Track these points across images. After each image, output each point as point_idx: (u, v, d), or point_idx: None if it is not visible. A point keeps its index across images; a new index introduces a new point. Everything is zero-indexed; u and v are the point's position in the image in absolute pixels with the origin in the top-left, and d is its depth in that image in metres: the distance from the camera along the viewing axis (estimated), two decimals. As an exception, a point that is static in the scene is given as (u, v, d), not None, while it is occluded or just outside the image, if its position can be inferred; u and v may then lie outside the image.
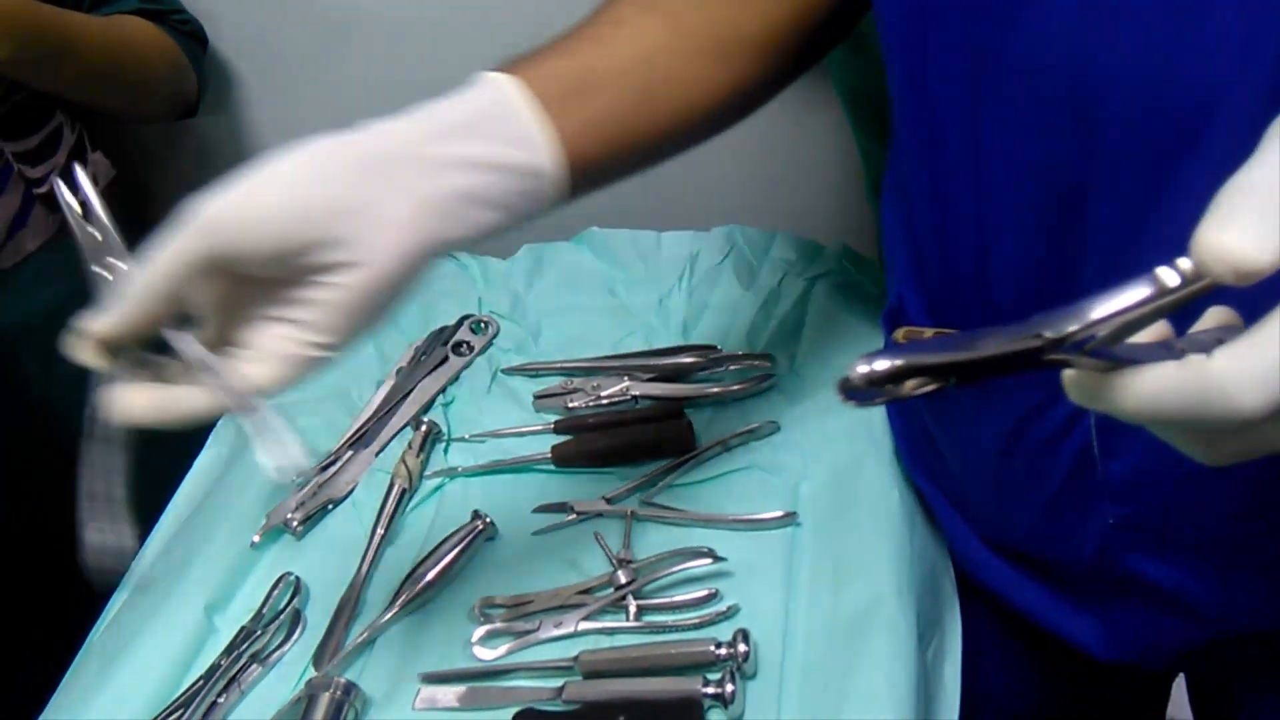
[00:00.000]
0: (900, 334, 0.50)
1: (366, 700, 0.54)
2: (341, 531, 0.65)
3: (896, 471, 0.61)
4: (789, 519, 0.60)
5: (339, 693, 0.52)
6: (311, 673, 0.56)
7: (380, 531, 0.63)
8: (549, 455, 0.67)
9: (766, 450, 0.65)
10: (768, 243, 0.82)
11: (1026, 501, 0.51)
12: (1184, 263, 0.24)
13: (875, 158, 0.73)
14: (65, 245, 0.66)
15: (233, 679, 0.55)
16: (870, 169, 0.75)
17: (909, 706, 0.49)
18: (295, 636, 0.58)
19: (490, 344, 0.78)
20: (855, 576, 0.55)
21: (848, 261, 0.79)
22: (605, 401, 0.70)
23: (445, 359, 0.76)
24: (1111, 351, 0.26)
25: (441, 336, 0.78)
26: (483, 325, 0.79)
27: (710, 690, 0.51)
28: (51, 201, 0.79)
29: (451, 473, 0.67)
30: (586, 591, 0.58)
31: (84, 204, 0.42)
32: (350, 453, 0.69)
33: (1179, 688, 0.69)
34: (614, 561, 0.59)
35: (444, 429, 0.71)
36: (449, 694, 0.54)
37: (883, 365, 0.24)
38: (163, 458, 0.74)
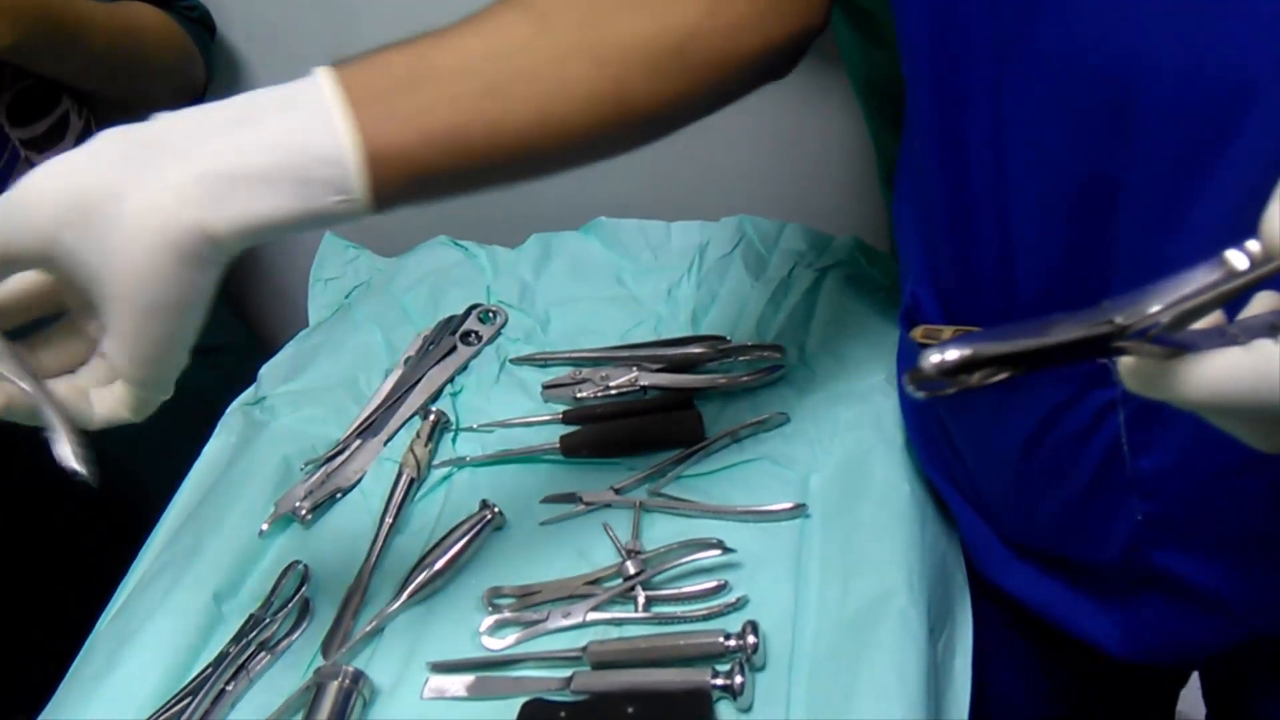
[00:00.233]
0: (918, 333, 0.50)
1: (375, 689, 0.54)
2: (349, 520, 0.65)
3: (907, 464, 0.61)
4: (798, 510, 0.59)
5: (347, 681, 0.52)
6: (319, 661, 0.56)
7: (388, 520, 0.63)
8: (557, 445, 0.66)
9: (776, 441, 0.65)
10: (778, 234, 0.82)
11: (1051, 498, 0.50)
12: (1252, 245, 0.24)
13: (888, 149, 0.73)
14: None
15: (241, 666, 0.55)
16: (883, 160, 0.74)
17: (919, 699, 0.49)
18: (303, 625, 0.58)
19: (498, 333, 0.78)
20: (865, 569, 0.55)
21: (859, 254, 0.79)
22: (614, 392, 0.70)
23: (453, 348, 0.76)
24: (1173, 338, 0.25)
25: (450, 326, 0.78)
26: (491, 315, 0.79)
27: (719, 681, 0.50)
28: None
29: (460, 462, 0.67)
30: (595, 582, 0.58)
31: None
32: (358, 442, 0.69)
33: (1189, 685, 0.69)
34: (623, 552, 0.59)
35: (452, 418, 0.70)
36: (457, 683, 0.54)
37: (954, 355, 0.23)
38: (171, 445, 0.74)
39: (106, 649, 0.58)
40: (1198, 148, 0.36)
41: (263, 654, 0.56)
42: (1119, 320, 0.24)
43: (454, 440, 0.69)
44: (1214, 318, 0.28)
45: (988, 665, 0.57)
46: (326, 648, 0.57)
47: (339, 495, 0.66)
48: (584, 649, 0.54)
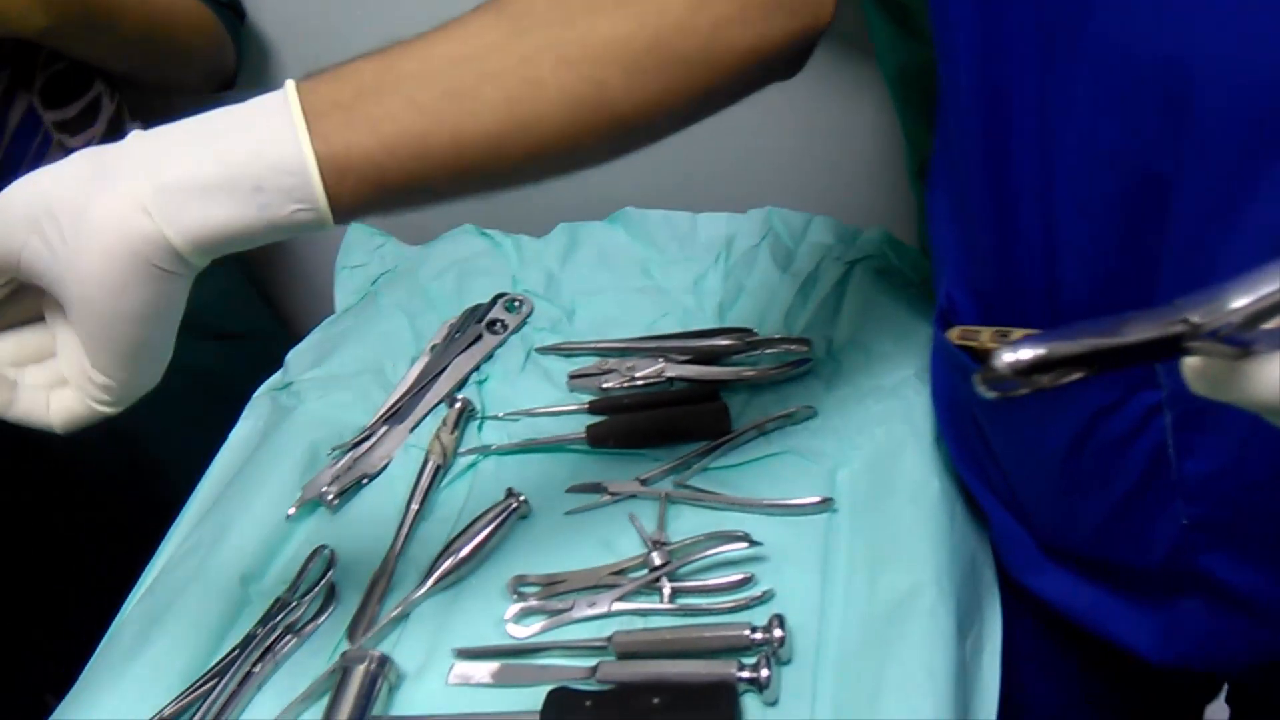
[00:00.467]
0: (955, 334, 0.49)
1: (400, 674, 0.54)
2: (376, 506, 0.65)
3: (937, 460, 0.60)
4: (825, 505, 0.59)
5: (373, 665, 0.52)
6: (345, 645, 0.57)
7: (414, 507, 0.63)
8: (583, 435, 0.66)
9: (803, 435, 0.64)
10: (805, 226, 0.82)
11: (1093, 502, 0.49)
12: None
13: (920, 141, 0.72)
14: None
15: (268, 649, 0.55)
16: (914, 153, 0.73)
17: (948, 697, 0.49)
18: (329, 609, 0.58)
19: (525, 322, 0.78)
20: (893, 564, 0.55)
21: (887, 247, 0.78)
22: (640, 382, 0.70)
23: (479, 337, 0.76)
24: (1241, 338, 0.25)
25: (476, 314, 0.78)
26: (517, 304, 0.79)
27: (745, 674, 0.50)
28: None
29: (485, 450, 0.67)
30: (620, 572, 0.58)
31: None
32: (385, 428, 0.69)
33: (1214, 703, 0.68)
34: (648, 543, 0.59)
35: (478, 407, 0.70)
36: (482, 670, 0.54)
37: (1028, 355, 0.23)
38: (197, 429, 0.74)
39: (135, 629, 0.58)
40: (1256, 146, 0.35)
41: (289, 637, 0.56)
42: (1194, 319, 0.24)
43: (480, 428, 0.70)
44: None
45: (1016, 669, 0.56)
46: (352, 632, 0.57)
47: (365, 481, 0.66)
48: (609, 639, 0.54)
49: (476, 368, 0.74)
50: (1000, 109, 0.42)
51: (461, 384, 0.73)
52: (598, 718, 0.50)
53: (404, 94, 0.40)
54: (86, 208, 0.37)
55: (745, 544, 0.57)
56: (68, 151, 0.77)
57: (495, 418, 0.70)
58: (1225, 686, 0.65)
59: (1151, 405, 0.44)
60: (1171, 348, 0.24)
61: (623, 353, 0.73)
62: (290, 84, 0.40)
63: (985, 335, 0.47)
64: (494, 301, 0.79)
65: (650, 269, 0.81)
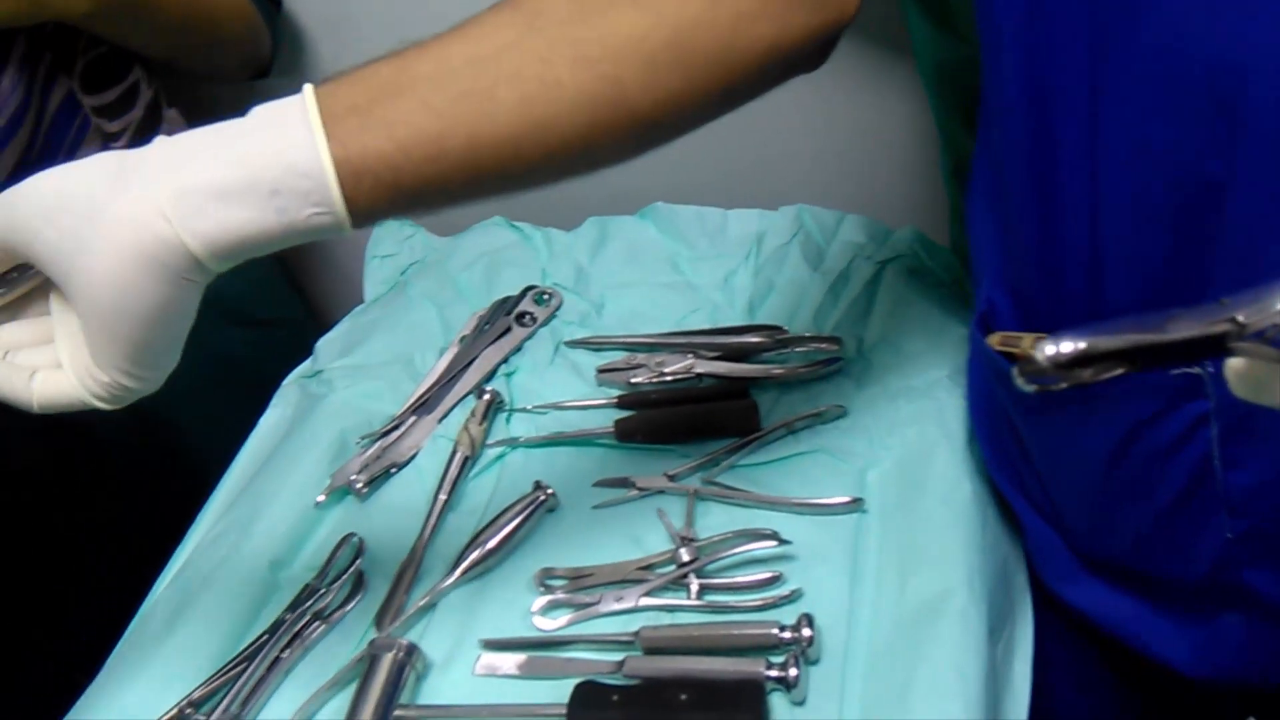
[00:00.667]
0: (995, 339, 0.49)
1: (428, 663, 0.54)
2: (404, 495, 0.65)
3: (969, 462, 0.60)
4: (855, 505, 0.59)
5: (401, 654, 0.53)
6: (372, 633, 0.57)
7: (442, 497, 0.63)
8: (611, 430, 0.66)
9: (833, 434, 0.64)
10: (836, 224, 0.81)
11: (1134, 513, 0.48)
12: None
13: (956, 139, 0.71)
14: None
15: (296, 635, 0.56)
16: (949, 151, 0.73)
17: (978, 700, 0.48)
18: (358, 597, 0.58)
19: (553, 316, 0.78)
20: (924, 566, 0.54)
21: (919, 247, 0.77)
22: (669, 378, 0.70)
23: (508, 329, 0.76)
24: None
25: (505, 306, 0.78)
26: (546, 297, 0.79)
27: (773, 673, 0.50)
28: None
29: (513, 442, 0.67)
30: (648, 568, 0.58)
31: None
32: (413, 418, 0.70)
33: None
34: (676, 539, 0.58)
35: (506, 399, 0.71)
36: (509, 661, 0.54)
37: (1069, 348, 0.23)
38: (225, 414, 0.75)
39: (164, 612, 0.59)
40: None
41: (318, 623, 0.57)
42: (1241, 318, 0.23)
43: (508, 420, 0.70)
44: None
45: (1047, 678, 0.56)
46: (380, 620, 0.57)
47: (394, 470, 0.66)
48: (636, 634, 0.54)
49: (505, 360, 0.74)
50: (1046, 108, 0.42)
51: (490, 376, 0.73)
52: (625, 712, 0.49)
53: (419, 96, 0.40)
54: (105, 206, 0.37)
55: (774, 542, 0.56)
56: (105, 136, 0.79)
57: (523, 410, 0.70)
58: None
59: (1198, 415, 0.43)
60: (1216, 347, 0.24)
61: (652, 348, 0.73)
62: (308, 88, 0.40)
63: (1027, 342, 0.47)
64: (523, 294, 0.79)
65: (680, 264, 0.81)
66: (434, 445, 0.68)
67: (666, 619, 0.55)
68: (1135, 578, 0.52)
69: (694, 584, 0.56)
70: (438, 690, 0.53)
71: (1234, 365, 0.26)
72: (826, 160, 0.92)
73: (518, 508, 0.61)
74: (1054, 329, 0.46)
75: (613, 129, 0.42)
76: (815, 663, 0.52)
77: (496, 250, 0.85)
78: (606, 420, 0.67)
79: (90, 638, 0.61)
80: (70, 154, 0.77)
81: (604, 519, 0.62)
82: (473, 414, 0.68)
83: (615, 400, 0.69)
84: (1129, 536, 0.50)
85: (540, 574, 0.58)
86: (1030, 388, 0.24)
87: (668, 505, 0.61)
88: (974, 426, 0.60)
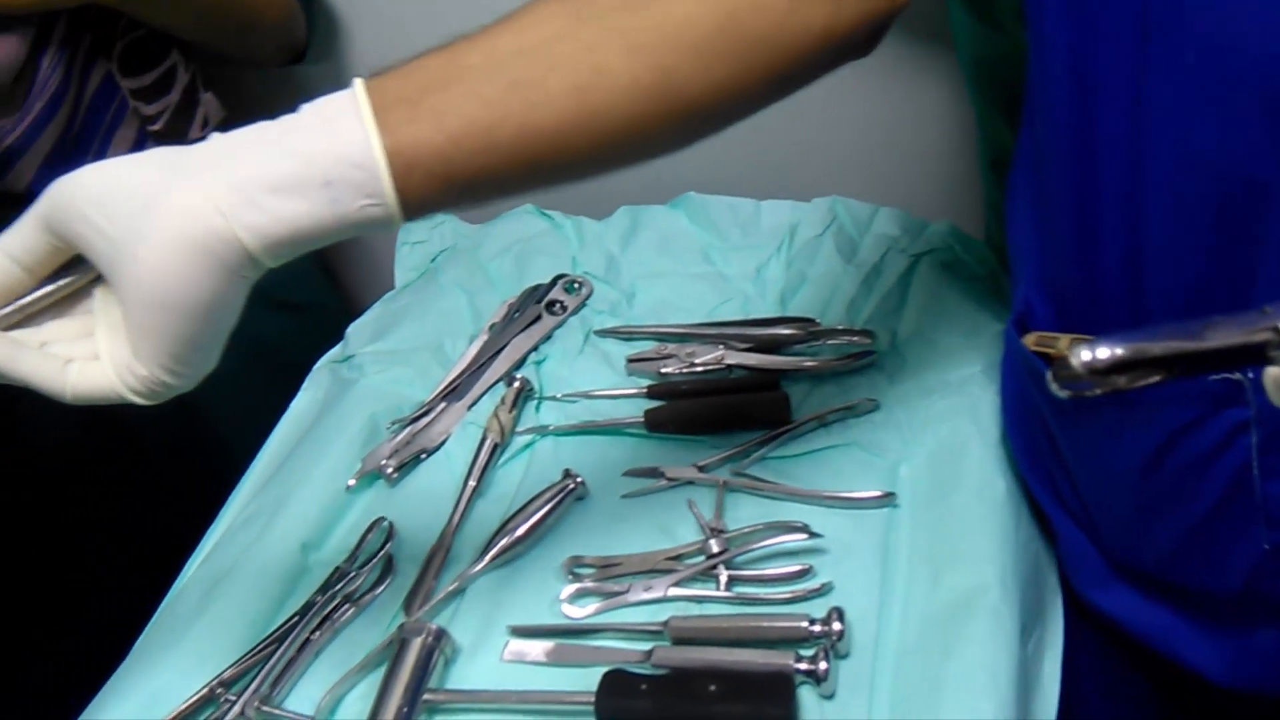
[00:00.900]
0: (1031, 340, 0.48)
1: (456, 648, 0.54)
2: (433, 481, 0.65)
3: (1003, 458, 0.59)
4: (887, 499, 0.58)
5: (430, 638, 0.53)
6: (401, 617, 0.57)
7: (472, 484, 0.63)
8: (641, 419, 0.66)
9: (865, 428, 0.63)
10: (870, 217, 0.81)
11: (1169, 522, 0.48)
12: None
13: (995, 133, 0.70)
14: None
15: (326, 617, 0.56)
16: (988, 145, 0.72)
17: (1010, 698, 0.48)
18: (387, 581, 0.59)
19: (584, 304, 0.77)
20: (956, 562, 0.54)
21: (954, 241, 0.77)
22: (700, 369, 0.69)
23: (538, 317, 0.76)
24: None
25: (535, 294, 0.78)
26: (577, 285, 0.79)
27: (803, 666, 0.50)
28: (165, 139, 0.80)
29: (543, 430, 0.67)
30: (677, 558, 0.58)
31: None
32: (443, 404, 0.70)
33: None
34: (706, 530, 0.58)
35: (536, 387, 0.71)
36: (537, 648, 0.54)
37: (1105, 354, 0.22)
38: (255, 396, 0.75)
39: (196, 592, 0.59)
40: None
41: (347, 606, 0.57)
42: None
43: (537, 408, 0.70)
44: None
45: (1077, 685, 0.55)
46: (409, 605, 0.57)
47: (424, 456, 0.67)
48: (665, 624, 0.53)
49: (535, 348, 0.74)
50: (1091, 104, 0.41)
51: (520, 363, 0.73)
52: (654, 702, 0.49)
53: (469, 87, 0.39)
54: (159, 196, 0.37)
55: (804, 535, 0.56)
56: (142, 119, 0.79)
57: (553, 398, 0.70)
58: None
59: (1238, 423, 0.42)
60: (1256, 356, 0.23)
61: (683, 338, 0.72)
62: (358, 82, 0.40)
63: (1063, 343, 0.46)
64: (554, 282, 0.79)
65: (711, 255, 0.80)
66: (463, 432, 0.68)
67: (695, 610, 0.55)
68: (1168, 587, 0.51)
69: (723, 575, 0.56)
70: (465, 675, 0.54)
71: (1274, 374, 0.25)
72: (861, 152, 0.91)
73: (547, 495, 0.61)
74: (1092, 331, 0.45)
75: (663, 117, 0.41)
76: (845, 657, 0.51)
77: (527, 238, 0.85)
78: (636, 410, 0.67)
79: (121, 618, 0.62)
80: (108, 136, 0.78)
81: (633, 508, 0.62)
82: (502, 401, 0.68)
83: (645, 390, 0.69)
84: (1163, 545, 0.49)
85: (569, 562, 0.58)
86: (1064, 393, 0.23)
87: (697, 496, 0.61)
88: (1006, 428, 0.59)
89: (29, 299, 0.42)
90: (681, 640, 0.53)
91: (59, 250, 0.40)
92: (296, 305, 0.90)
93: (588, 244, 0.83)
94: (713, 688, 0.49)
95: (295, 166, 0.38)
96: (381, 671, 0.53)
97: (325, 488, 0.64)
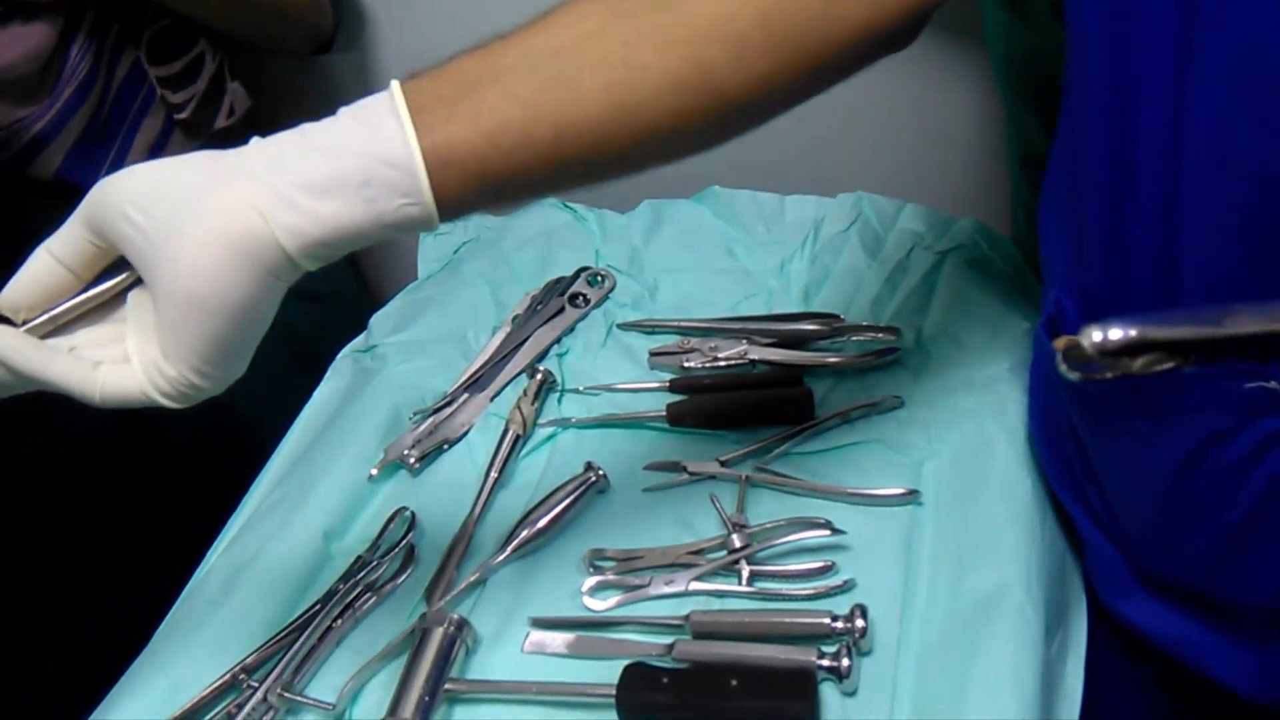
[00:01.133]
0: (1061, 343, 0.47)
1: (477, 638, 0.55)
2: (455, 472, 0.65)
3: (1029, 458, 0.58)
4: (911, 497, 0.58)
5: (452, 628, 0.53)
6: (422, 607, 0.57)
7: (494, 475, 0.64)
8: (663, 413, 0.66)
9: (889, 425, 0.63)
10: (896, 213, 0.80)
11: (1200, 532, 0.47)
12: None
13: (1025, 130, 0.70)
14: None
15: (348, 605, 0.56)
16: (1017, 141, 0.71)
17: (1033, 698, 0.47)
18: (409, 570, 0.59)
19: (606, 297, 0.77)
20: (980, 561, 0.53)
21: (980, 237, 0.76)
22: (722, 363, 0.69)
23: (561, 309, 0.76)
24: None
25: (558, 287, 0.78)
26: (600, 278, 0.78)
27: (825, 662, 0.50)
28: (191, 128, 0.81)
29: (565, 423, 0.67)
30: (698, 552, 0.57)
31: None
32: (466, 395, 0.70)
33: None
34: (728, 525, 0.58)
35: (558, 379, 0.70)
36: (558, 640, 0.54)
37: (1117, 334, 0.22)
38: (278, 385, 0.75)
39: (219, 579, 0.60)
40: None
41: (369, 595, 0.57)
42: None
43: (559, 401, 0.70)
44: None
45: (1101, 693, 0.54)
46: (430, 594, 0.58)
47: (446, 446, 0.67)
48: (686, 618, 0.53)
49: (557, 340, 0.74)
50: (1129, 105, 0.40)
51: (542, 355, 0.73)
52: (675, 695, 0.49)
53: (504, 86, 0.40)
54: (199, 197, 0.38)
55: (827, 531, 0.56)
56: (170, 107, 0.80)
57: (575, 391, 0.70)
58: None
59: (1271, 433, 0.41)
60: (1275, 346, 0.23)
61: (705, 332, 0.72)
62: (395, 83, 0.40)
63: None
64: (577, 275, 0.78)
65: (735, 250, 0.80)
66: (486, 423, 0.68)
67: (716, 604, 0.55)
68: (1196, 598, 0.50)
69: (745, 570, 0.55)
70: (486, 666, 0.54)
71: None
72: (886, 148, 0.90)
73: (569, 487, 0.61)
74: None
75: (700, 113, 0.41)
76: (867, 654, 0.51)
77: (551, 231, 0.85)
78: (658, 404, 0.67)
79: (143, 605, 0.62)
80: (135, 124, 0.78)
81: (654, 502, 0.62)
82: (525, 393, 0.68)
83: (667, 384, 0.69)
84: (1192, 556, 0.48)
85: (590, 554, 0.58)
86: (1074, 375, 0.23)
87: (719, 491, 0.61)
88: (1033, 433, 0.59)
89: (64, 306, 0.42)
90: (703, 634, 0.53)
91: (102, 251, 0.41)
92: (320, 295, 0.90)
93: (611, 237, 0.83)
94: (734, 682, 0.49)
95: (332, 167, 0.38)
96: (403, 660, 0.53)
97: (348, 477, 0.64)
